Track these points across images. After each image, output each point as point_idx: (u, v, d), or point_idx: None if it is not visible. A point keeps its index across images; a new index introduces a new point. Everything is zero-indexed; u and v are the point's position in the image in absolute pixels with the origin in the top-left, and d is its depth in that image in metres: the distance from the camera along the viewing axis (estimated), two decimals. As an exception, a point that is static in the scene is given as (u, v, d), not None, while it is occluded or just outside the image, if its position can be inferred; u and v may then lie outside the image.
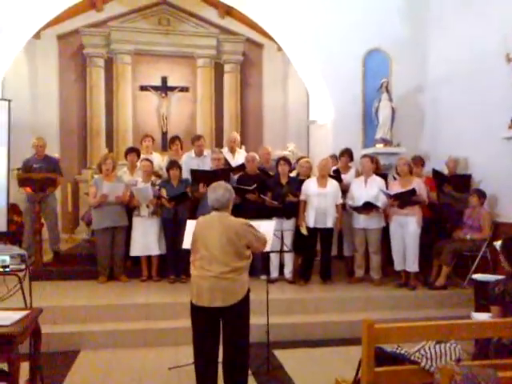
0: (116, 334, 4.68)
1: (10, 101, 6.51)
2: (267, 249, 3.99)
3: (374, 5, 7.40)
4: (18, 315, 2.92)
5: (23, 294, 3.42)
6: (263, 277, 5.90)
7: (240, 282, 3.44)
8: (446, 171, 6.61)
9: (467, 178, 6.29)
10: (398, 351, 2.47)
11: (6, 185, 6.52)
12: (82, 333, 4.64)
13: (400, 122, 7.36)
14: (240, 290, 3.44)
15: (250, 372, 3.88)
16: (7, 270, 3.36)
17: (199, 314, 3.47)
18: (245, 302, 3.48)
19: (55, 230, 6.81)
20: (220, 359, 3.52)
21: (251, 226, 3.51)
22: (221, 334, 3.52)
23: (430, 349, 2.42)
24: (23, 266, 3.40)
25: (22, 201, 6.94)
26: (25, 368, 3.05)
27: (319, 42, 7.41)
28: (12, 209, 7.08)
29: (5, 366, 2.73)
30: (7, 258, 3.34)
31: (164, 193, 5.87)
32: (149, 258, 6.07)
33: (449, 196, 6.22)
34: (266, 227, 4.07)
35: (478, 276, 4.39)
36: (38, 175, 6.32)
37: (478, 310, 4.05)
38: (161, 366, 4.20)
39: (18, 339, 2.70)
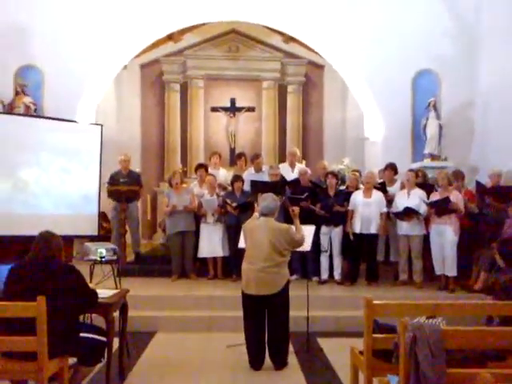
0: (185, 320, 5.62)
1: (102, 125, 7.72)
2: (307, 249, 4.78)
3: (422, 28, 7.96)
4: (112, 292, 3.92)
5: (114, 278, 4.43)
6: (315, 278, 6.67)
7: (281, 274, 4.26)
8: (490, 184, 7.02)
9: (508, 190, 6.67)
10: (395, 324, 3.15)
11: (97, 196, 7.73)
12: (159, 317, 5.61)
13: (450, 137, 7.86)
14: (281, 281, 4.26)
15: (292, 350, 4.65)
16: (103, 259, 4.39)
17: (247, 301, 4.33)
18: (285, 291, 4.29)
19: (137, 235, 7.90)
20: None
21: (290, 230, 4.31)
22: (266, 317, 4.34)
23: (420, 323, 3.07)
24: (115, 257, 4.42)
25: (110, 210, 8.13)
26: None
27: (371, 65, 8.09)
28: (102, 216, 8.29)
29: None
30: (103, 251, 4.38)
31: (230, 201, 6.77)
32: (214, 259, 7.00)
33: (490, 207, 6.63)
34: (308, 231, 4.87)
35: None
36: (123, 188, 7.45)
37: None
38: (221, 346, 5.00)
39: (113, 307, 3.73)
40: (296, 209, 4.58)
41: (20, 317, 3.03)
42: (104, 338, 3.50)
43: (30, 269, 3.25)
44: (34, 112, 7.51)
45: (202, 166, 7.51)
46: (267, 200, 4.41)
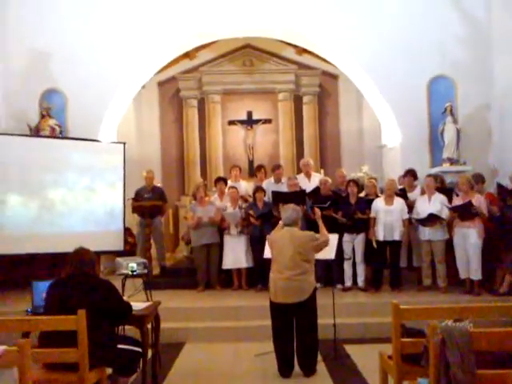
0: (213, 330, 5.74)
1: (124, 143, 7.93)
2: (332, 257, 4.87)
3: (435, 35, 8.00)
4: (144, 304, 4.06)
5: (145, 291, 4.57)
6: (339, 285, 6.73)
7: (307, 282, 4.35)
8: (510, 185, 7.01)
9: (530, 191, 6.66)
10: (423, 328, 3.21)
11: (122, 212, 7.90)
12: (187, 328, 5.73)
13: (467, 140, 7.86)
14: (308, 288, 4.34)
15: (320, 358, 4.72)
16: (135, 273, 4.55)
17: (276, 309, 4.42)
18: (312, 298, 4.37)
19: (162, 249, 8.07)
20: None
21: (313, 237, 4.41)
22: (294, 325, 4.42)
23: (448, 325, 3.12)
24: (146, 271, 4.58)
25: (135, 225, 8.31)
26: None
27: (386, 73, 8.12)
28: (126, 232, 8.47)
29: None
30: (135, 265, 4.54)
31: (252, 213, 6.91)
32: (239, 270, 7.11)
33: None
34: (332, 239, 4.95)
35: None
36: (147, 203, 7.63)
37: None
38: (249, 355, 5.08)
39: (146, 319, 3.86)
40: (317, 211, 4.71)
41: (60, 330, 3.17)
42: (139, 349, 3.63)
43: (69, 284, 3.41)
44: (59, 134, 7.75)
45: (222, 180, 7.66)
46: (288, 211, 4.54)
